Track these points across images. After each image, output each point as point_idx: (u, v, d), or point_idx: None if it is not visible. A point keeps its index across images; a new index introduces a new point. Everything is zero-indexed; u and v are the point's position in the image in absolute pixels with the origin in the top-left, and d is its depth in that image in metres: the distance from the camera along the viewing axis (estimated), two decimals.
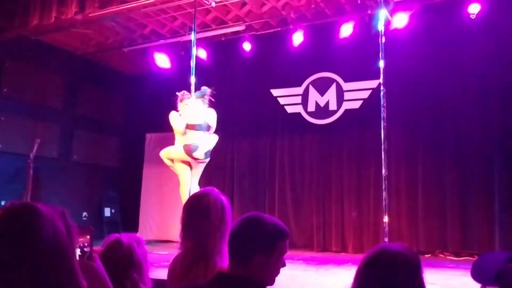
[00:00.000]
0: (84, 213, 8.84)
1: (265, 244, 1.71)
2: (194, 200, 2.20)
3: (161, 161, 6.62)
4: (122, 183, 9.76)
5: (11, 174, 7.29)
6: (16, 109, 7.79)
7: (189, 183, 5.94)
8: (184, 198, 5.78)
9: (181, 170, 6.02)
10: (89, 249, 1.53)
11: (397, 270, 1.53)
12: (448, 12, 6.80)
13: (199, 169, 6.12)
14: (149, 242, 7.39)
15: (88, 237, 1.52)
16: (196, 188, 5.77)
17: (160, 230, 8.79)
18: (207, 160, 6.05)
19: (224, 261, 2.02)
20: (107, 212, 9.31)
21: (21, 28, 6.94)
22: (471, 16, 6.36)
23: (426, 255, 6.68)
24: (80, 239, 1.44)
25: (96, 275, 1.56)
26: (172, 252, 5.99)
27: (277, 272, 1.76)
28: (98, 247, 1.96)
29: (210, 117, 6.07)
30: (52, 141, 8.36)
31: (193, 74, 6.10)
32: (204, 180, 6.31)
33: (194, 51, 6.16)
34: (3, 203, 6.92)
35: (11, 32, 7.08)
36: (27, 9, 6.67)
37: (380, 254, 1.57)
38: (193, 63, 6.10)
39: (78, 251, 1.43)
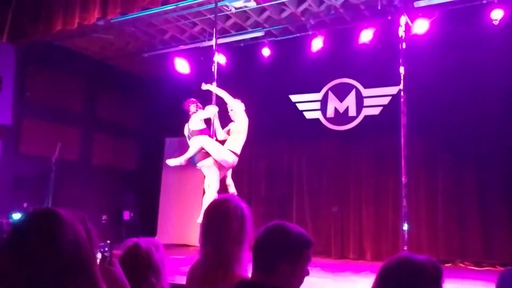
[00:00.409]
0: (104, 216, 8.93)
1: (291, 252, 1.73)
2: (214, 207, 2.21)
3: (179, 166, 6.64)
4: (140, 187, 9.84)
5: (34, 177, 7.42)
6: (38, 113, 7.94)
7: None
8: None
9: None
10: (109, 254, 1.55)
11: (419, 281, 1.50)
12: (470, 18, 6.71)
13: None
14: (167, 246, 7.43)
15: (109, 242, 1.54)
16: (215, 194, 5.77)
17: (178, 234, 8.84)
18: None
19: (243, 269, 2.02)
20: (126, 215, 9.39)
21: (44, 34, 7.08)
22: (493, 22, 6.26)
23: (446, 264, 6.57)
24: (101, 244, 1.45)
25: (116, 280, 1.57)
26: (189, 256, 6.02)
27: (301, 281, 1.77)
28: (116, 251, 1.98)
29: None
30: (73, 145, 8.49)
31: (215, 80, 6.12)
32: (221, 185, 6.31)
33: (216, 57, 6.19)
34: (25, 205, 7.05)
35: (34, 37, 7.22)
36: (50, 15, 6.80)
37: (402, 263, 1.55)
38: (215, 69, 6.12)
39: (99, 256, 1.45)
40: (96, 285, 1.06)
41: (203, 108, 6.19)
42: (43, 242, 1.02)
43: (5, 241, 1.06)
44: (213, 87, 6.07)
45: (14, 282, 0.99)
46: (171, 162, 6.10)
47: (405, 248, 5.46)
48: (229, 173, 6.21)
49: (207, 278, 2.01)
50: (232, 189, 6.25)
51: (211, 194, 5.77)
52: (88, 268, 1.06)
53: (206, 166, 5.91)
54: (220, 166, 5.92)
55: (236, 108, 6.13)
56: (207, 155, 5.90)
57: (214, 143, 5.94)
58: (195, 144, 5.98)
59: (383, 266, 1.57)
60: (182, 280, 2.24)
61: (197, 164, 5.98)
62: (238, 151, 6.02)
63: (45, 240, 1.02)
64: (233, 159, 5.95)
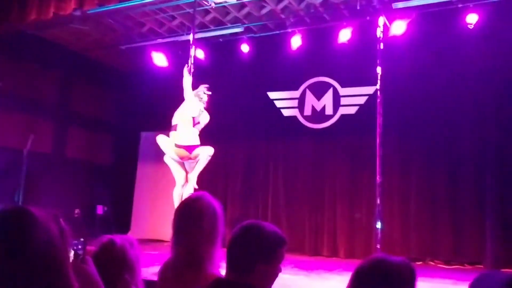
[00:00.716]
0: (76, 210, 8.79)
1: (267, 253, 1.76)
2: (186, 205, 2.19)
3: (155, 161, 6.60)
4: (115, 181, 9.72)
5: (5, 169, 7.25)
6: (10, 104, 7.74)
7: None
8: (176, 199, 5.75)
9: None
10: (82, 251, 1.52)
11: (394, 282, 1.52)
12: (446, 21, 6.82)
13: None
14: (141, 241, 7.36)
15: (82, 239, 1.51)
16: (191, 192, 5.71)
17: (152, 229, 8.76)
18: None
19: (215, 267, 2.02)
20: (100, 209, 9.26)
21: (17, 22, 6.89)
22: (469, 26, 6.39)
23: (417, 262, 6.69)
24: (74, 241, 1.43)
25: (89, 278, 1.55)
26: (163, 252, 5.97)
27: (274, 279, 1.81)
28: (90, 247, 1.95)
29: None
30: (46, 137, 8.32)
31: (190, 74, 6.06)
32: (198, 181, 6.26)
33: (192, 51, 6.14)
34: None
35: (6, 26, 7.03)
36: (24, 4, 6.63)
37: (376, 264, 1.56)
38: (190, 62, 6.06)
39: (71, 253, 1.42)
40: (69, 284, 1.04)
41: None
42: (14, 242, 0.99)
43: None
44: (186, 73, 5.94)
45: None
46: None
47: (378, 246, 5.54)
48: (197, 166, 6.06)
49: (180, 278, 2.00)
50: (192, 182, 6.10)
51: (177, 189, 5.80)
52: (61, 268, 1.04)
53: (167, 161, 5.87)
54: (178, 161, 5.84)
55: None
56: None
57: (164, 141, 5.84)
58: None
59: (358, 267, 1.59)
60: (155, 276, 2.22)
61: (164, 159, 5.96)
62: (183, 143, 5.80)
63: (16, 239, 1.00)
64: (177, 153, 5.79)
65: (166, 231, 8.04)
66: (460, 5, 6.42)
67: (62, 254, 1.05)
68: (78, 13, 6.58)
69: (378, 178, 5.69)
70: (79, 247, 1.50)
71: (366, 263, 1.58)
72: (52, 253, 1.03)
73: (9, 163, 7.20)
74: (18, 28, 7.25)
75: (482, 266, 6.42)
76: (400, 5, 6.58)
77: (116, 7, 6.62)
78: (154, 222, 8.79)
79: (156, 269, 2.32)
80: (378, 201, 5.67)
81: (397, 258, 1.59)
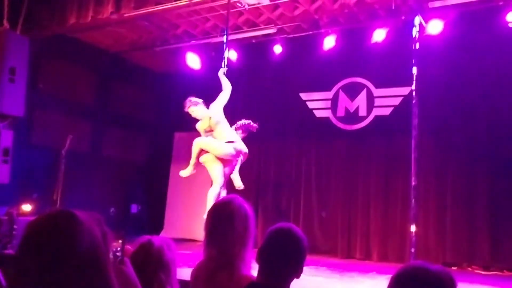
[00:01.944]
0: (112, 209, 8.98)
1: (299, 258, 1.88)
2: (218, 208, 2.23)
3: (188, 161, 6.66)
4: (149, 181, 9.90)
5: (44, 168, 7.49)
6: (50, 105, 7.99)
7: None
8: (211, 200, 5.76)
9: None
10: (120, 253, 1.56)
11: None
12: (484, 20, 6.64)
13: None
14: (174, 240, 7.47)
15: (121, 241, 1.55)
16: (223, 193, 5.74)
17: (185, 229, 8.87)
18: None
19: (247, 269, 2.04)
20: (134, 208, 9.45)
21: (58, 27, 7.12)
22: (509, 24, 6.19)
23: (452, 267, 6.54)
24: (113, 244, 1.47)
25: (128, 280, 1.59)
26: (195, 252, 6.05)
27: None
28: (129, 246, 2.01)
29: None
30: (84, 137, 8.55)
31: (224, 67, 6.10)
32: (229, 183, 6.31)
33: (226, 53, 6.19)
34: (35, 196, 7.12)
35: (48, 30, 7.27)
36: (64, 8, 6.84)
37: (417, 273, 1.53)
38: (224, 64, 6.12)
39: (110, 255, 1.46)
40: (110, 286, 1.07)
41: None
42: (59, 244, 1.03)
43: (22, 242, 1.07)
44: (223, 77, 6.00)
45: (30, 283, 1.00)
46: (183, 173, 6.08)
47: (412, 250, 5.44)
48: (237, 166, 6.15)
49: (212, 279, 2.03)
50: (237, 182, 6.19)
51: (215, 189, 5.73)
52: (103, 270, 1.07)
53: (208, 161, 5.83)
54: (224, 160, 5.81)
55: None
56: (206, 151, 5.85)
57: (210, 140, 5.81)
58: (193, 147, 5.90)
59: (396, 274, 1.56)
60: (188, 275, 2.26)
61: (199, 160, 5.94)
62: (233, 138, 5.85)
63: (62, 242, 1.03)
64: (234, 148, 5.79)
65: (198, 231, 8.15)
66: (500, 3, 6.23)
67: (105, 256, 1.09)
68: (115, 16, 6.73)
69: (413, 181, 5.58)
70: (118, 248, 1.54)
71: (405, 270, 1.55)
72: (96, 256, 1.06)
73: (48, 162, 7.43)
74: (58, 32, 7.48)
75: None
76: (436, 4, 6.44)
77: (151, 9, 6.73)
78: (186, 222, 8.89)
79: (189, 269, 2.36)
80: (413, 204, 5.57)
81: (437, 267, 1.56)
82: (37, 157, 7.60)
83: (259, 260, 1.88)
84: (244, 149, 5.93)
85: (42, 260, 1.02)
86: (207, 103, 6.31)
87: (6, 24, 6.60)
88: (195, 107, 5.95)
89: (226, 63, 6.15)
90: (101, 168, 8.89)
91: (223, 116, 5.87)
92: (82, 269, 1.03)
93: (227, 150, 5.73)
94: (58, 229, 1.05)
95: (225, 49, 6.24)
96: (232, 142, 5.77)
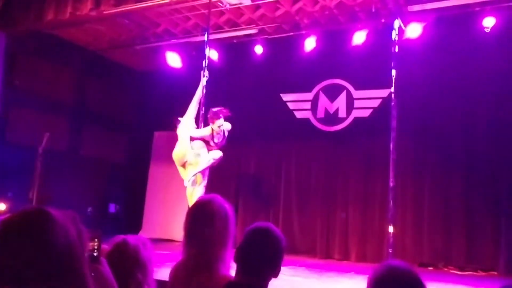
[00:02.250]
0: (89, 208, 8.86)
1: (277, 257, 1.88)
2: (197, 207, 2.21)
3: (168, 160, 6.64)
4: (128, 180, 9.80)
5: (20, 166, 7.34)
6: (27, 102, 7.84)
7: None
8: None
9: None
10: (97, 253, 1.54)
11: None
12: (462, 24, 6.76)
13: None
14: (152, 240, 7.41)
15: (97, 240, 1.53)
16: (201, 192, 5.79)
17: (164, 229, 8.80)
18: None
19: (226, 269, 2.04)
20: (112, 208, 9.34)
21: (35, 23, 6.99)
22: (485, 29, 6.32)
23: (429, 268, 6.64)
24: (90, 243, 1.45)
25: (104, 279, 1.57)
26: (174, 252, 6.00)
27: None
28: (104, 246, 1.97)
29: None
30: (61, 135, 8.40)
31: (203, 76, 6.10)
32: (209, 183, 6.30)
33: (207, 52, 6.17)
34: (10, 194, 6.97)
35: (25, 26, 7.12)
36: (42, 4, 6.72)
37: (389, 272, 1.56)
38: (205, 64, 6.10)
39: (86, 254, 1.44)
40: (86, 284, 1.05)
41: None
42: (33, 242, 1.01)
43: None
44: (201, 85, 6.05)
45: (3, 282, 0.98)
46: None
47: (390, 250, 5.49)
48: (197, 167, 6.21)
49: (191, 279, 2.01)
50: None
51: (198, 190, 5.81)
52: (78, 269, 1.05)
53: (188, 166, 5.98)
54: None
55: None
56: None
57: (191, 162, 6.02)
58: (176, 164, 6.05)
59: (372, 276, 1.59)
60: (167, 275, 2.24)
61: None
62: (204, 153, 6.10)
63: (35, 240, 1.02)
64: (213, 158, 6.02)
65: (177, 231, 8.08)
66: (477, 8, 6.35)
67: (80, 254, 1.07)
68: (94, 13, 6.63)
69: (391, 182, 5.64)
70: (94, 248, 1.52)
71: (379, 273, 1.58)
72: (71, 253, 1.04)
73: (24, 160, 7.28)
74: (35, 28, 7.34)
75: (496, 273, 6.34)
76: (416, 8, 6.53)
77: (132, 7, 6.66)
78: (165, 222, 8.83)
79: (167, 269, 2.34)
80: (391, 205, 5.63)
81: (403, 264, 1.60)
82: (12, 155, 7.44)
83: (237, 259, 1.88)
84: (217, 155, 5.99)
85: (16, 258, 1.00)
86: (187, 102, 6.30)
87: None
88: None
89: (207, 62, 6.13)
90: (79, 167, 8.76)
91: (193, 131, 6.07)
92: (57, 267, 1.01)
93: (208, 164, 5.96)
94: (32, 226, 1.03)
95: (206, 48, 6.21)
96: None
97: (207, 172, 6.15)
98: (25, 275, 0.99)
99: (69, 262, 1.04)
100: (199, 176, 6.01)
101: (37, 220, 1.04)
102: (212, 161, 5.98)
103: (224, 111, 6.01)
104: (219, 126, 5.96)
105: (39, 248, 1.01)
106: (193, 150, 5.99)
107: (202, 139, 6.06)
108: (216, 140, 6.04)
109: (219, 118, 5.96)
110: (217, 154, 6.07)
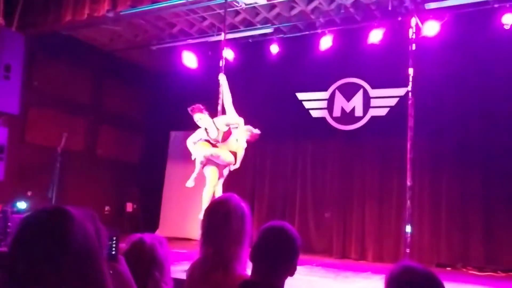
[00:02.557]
0: (107, 207, 8.97)
1: (292, 256, 1.86)
2: (214, 207, 2.21)
3: (183, 159, 6.66)
4: (144, 180, 9.87)
5: (39, 166, 7.46)
6: (45, 103, 7.96)
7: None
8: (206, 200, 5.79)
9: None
10: (115, 251, 1.55)
11: None
12: (481, 22, 6.66)
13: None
14: (169, 239, 7.45)
15: (115, 239, 1.54)
16: (220, 192, 5.79)
17: (180, 227, 8.86)
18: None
19: (243, 268, 2.03)
20: (129, 207, 9.42)
21: (54, 24, 7.09)
22: (505, 26, 6.22)
23: (447, 268, 6.56)
24: (108, 242, 1.46)
25: (122, 277, 1.58)
26: (191, 250, 6.04)
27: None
28: (121, 245, 1.99)
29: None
30: (79, 135, 8.51)
31: (222, 71, 6.09)
32: (225, 182, 6.31)
33: (224, 52, 6.18)
34: (29, 193, 7.08)
35: (43, 27, 7.23)
36: (60, 6, 6.82)
37: (407, 273, 1.55)
38: (222, 64, 6.11)
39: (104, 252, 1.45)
40: (104, 283, 1.06)
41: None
42: (52, 240, 1.03)
43: (15, 238, 1.06)
44: (224, 84, 5.99)
45: (22, 280, 1.00)
46: (189, 184, 6.06)
47: (407, 250, 5.45)
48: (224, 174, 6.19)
49: (208, 278, 2.02)
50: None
51: (209, 190, 5.79)
52: (97, 267, 1.07)
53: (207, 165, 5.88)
54: (218, 164, 5.89)
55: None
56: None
57: (217, 150, 5.82)
58: (199, 158, 5.88)
59: (388, 276, 1.57)
60: (183, 274, 2.26)
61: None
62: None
63: (54, 237, 1.03)
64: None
65: (193, 230, 8.17)
66: (496, 5, 6.25)
67: (98, 252, 1.08)
68: (111, 14, 6.70)
69: (408, 182, 5.59)
70: (112, 246, 1.54)
71: (395, 273, 1.57)
72: (89, 252, 1.06)
73: (43, 160, 7.40)
74: (53, 29, 7.44)
75: None
76: (432, 5, 6.46)
77: (148, 8, 6.71)
78: (181, 220, 8.88)
79: (184, 267, 2.36)
80: (408, 205, 5.58)
81: (420, 265, 1.59)
82: (31, 154, 7.57)
83: (252, 258, 1.89)
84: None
85: (35, 256, 1.01)
86: (203, 102, 6.30)
87: (1, 21, 6.57)
88: (202, 115, 5.86)
89: (224, 63, 6.14)
90: (96, 167, 8.86)
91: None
92: (75, 265, 1.02)
93: (232, 158, 5.85)
94: (51, 224, 1.05)
95: (222, 48, 6.22)
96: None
97: (223, 171, 6.11)
98: (43, 273, 1.00)
99: (87, 260, 1.05)
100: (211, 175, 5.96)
101: (56, 218, 1.06)
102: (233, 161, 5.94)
103: (195, 107, 5.90)
104: (196, 121, 5.91)
105: (58, 245, 1.02)
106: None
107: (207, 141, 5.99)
108: (212, 136, 5.91)
109: (192, 114, 5.88)
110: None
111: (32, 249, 1.02)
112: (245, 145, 5.96)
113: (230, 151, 5.85)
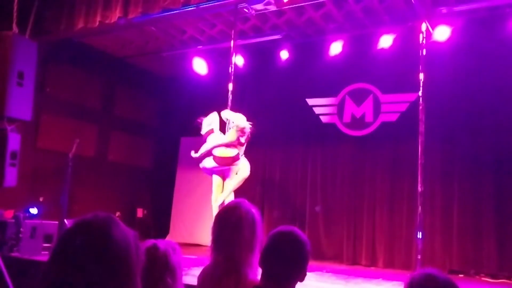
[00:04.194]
0: (117, 213, 9.00)
1: (302, 261, 1.85)
2: (225, 213, 2.22)
3: (194, 165, 6.68)
4: (155, 185, 9.91)
5: (51, 172, 7.53)
6: (57, 109, 8.05)
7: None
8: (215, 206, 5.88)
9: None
10: None
11: None
12: (492, 26, 6.62)
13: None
14: (179, 245, 7.46)
15: None
16: (231, 197, 5.85)
17: (190, 233, 8.87)
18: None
19: (254, 274, 2.03)
20: (140, 213, 9.46)
21: (66, 31, 7.18)
22: None
23: (459, 275, 6.49)
24: None
25: None
26: (201, 256, 6.04)
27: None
28: None
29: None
30: (90, 141, 8.59)
31: (231, 81, 6.15)
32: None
33: (233, 58, 6.22)
34: (41, 199, 7.15)
35: (56, 34, 7.32)
36: (72, 13, 6.90)
37: (429, 281, 1.54)
38: (232, 70, 6.15)
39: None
40: None
41: None
42: (98, 241, 1.09)
43: (63, 237, 1.13)
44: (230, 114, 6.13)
45: (64, 277, 1.05)
46: (193, 154, 6.26)
47: (419, 257, 5.40)
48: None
49: (219, 284, 2.02)
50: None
51: (216, 196, 6.01)
52: (133, 278, 1.12)
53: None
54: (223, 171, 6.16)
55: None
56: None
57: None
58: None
59: (411, 284, 1.56)
60: (194, 280, 2.26)
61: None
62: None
63: (100, 239, 1.09)
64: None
65: (204, 236, 8.17)
66: (507, 10, 6.22)
67: (135, 266, 1.14)
68: (122, 21, 6.77)
69: (419, 187, 5.55)
70: None
71: (416, 280, 1.56)
72: (127, 262, 1.11)
73: (55, 166, 7.47)
74: (66, 36, 7.53)
75: None
76: (443, 10, 6.43)
77: (159, 15, 6.77)
78: (192, 226, 8.90)
79: (194, 273, 2.36)
80: (420, 211, 5.54)
81: (441, 272, 1.57)
82: (43, 160, 7.64)
83: (261, 264, 1.88)
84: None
85: (81, 253, 1.07)
86: (213, 108, 6.36)
87: (15, 28, 6.65)
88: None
89: (233, 68, 6.19)
90: (107, 173, 8.92)
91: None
92: (113, 271, 1.08)
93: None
94: (99, 227, 1.11)
95: (232, 54, 6.26)
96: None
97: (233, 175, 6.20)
98: (87, 273, 1.05)
99: (125, 270, 1.10)
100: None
101: (104, 223, 1.13)
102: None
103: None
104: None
105: (103, 247, 1.08)
106: None
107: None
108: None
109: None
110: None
111: (80, 247, 1.08)
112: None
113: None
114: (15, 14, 6.49)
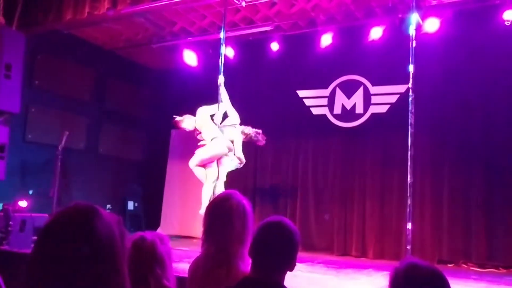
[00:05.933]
0: (108, 206, 8.96)
1: (291, 251, 1.86)
2: (216, 204, 2.21)
3: (185, 158, 6.68)
4: (146, 178, 9.88)
5: (40, 165, 7.46)
6: (46, 101, 7.96)
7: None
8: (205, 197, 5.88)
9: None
10: None
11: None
12: (481, 18, 6.65)
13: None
14: (170, 237, 7.45)
15: None
16: (221, 188, 5.85)
17: (182, 225, 8.87)
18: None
19: (246, 265, 2.04)
20: (130, 205, 9.43)
21: (54, 23, 7.09)
22: (505, 22, 6.21)
23: (448, 265, 6.57)
24: None
25: None
26: (193, 248, 6.04)
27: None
28: None
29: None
30: (80, 134, 8.51)
31: (221, 72, 6.13)
32: (226, 179, 6.34)
33: (223, 49, 6.19)
34: (31, 192, 7.09)
35: (44, 26, 7.23)
36: (61, 4, 6.82)
37: (412, 269, 1.55)
38: (221, 62, 6.12)
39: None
40: (124, 284, 1.11)
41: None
42: (80, 231, 1.07)
43: (45, 229, 1.11)
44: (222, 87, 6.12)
45: (48, 268, 1.04)
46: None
47: (408, 247, 5.44)
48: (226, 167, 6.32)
49: (210, 276, 2.03)
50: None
51: (208, 186, 6.03)
52: (119, 267, 1.11)
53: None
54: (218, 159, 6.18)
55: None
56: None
57: (204, 150, 6.20)
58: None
59: (393, 273, 1.57)
60: (186, 272, 2.26)
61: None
62: (216, 134, 6.30)
63: (82, 230, 1.07)
64: (226, 145, 6.28)
65: (195, 228, 8.18)
66: (497, 1, 6.24)
67: (120, 253, 1.12)
68: (111, 12, 6.70)
69: (409, 178, 5.58)
70: None
71: (401, 270, 1.57)
72: (112, 249, 1.10)
73: (44, 159, 7.41)
74: (54, 28, 7.44)
75: None
76: (433, 1, 6.44)
77: (148, 6, 6.71)
78: (183, 219, 8.90)
79: (186, 265, 2.36)
80: (409, 202, 5.57)
81: (428, 264, 1.58)
82: (32, 153, 7.57)
83: (251, 254, 1.88)
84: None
85: (63, 245, 1.06)
86: (204, 101, 6.34)
87: (1, 19, 6.57)
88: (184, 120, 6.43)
89: (223, 60, 6.16)
90: (98, 165, 8.87)
91: (208, 118, 6.22)
92: (97, 260, 1.06)
93: (220, 149, 6.10)
94: (81, 217, 1.10)
95: (222, 46, 6.23)
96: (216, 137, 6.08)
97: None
98: (70, 264, 1.04)
99: (109, 257, 1.09)
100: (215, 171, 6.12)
101: (86, 213, 1.11)
102: (226, 150, 6.29)
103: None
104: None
105: (85, 237, 1.07)
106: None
107: None
108: None
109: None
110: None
111: (61, 238, 1.06)
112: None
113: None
114: (1, 5, 6.41)
